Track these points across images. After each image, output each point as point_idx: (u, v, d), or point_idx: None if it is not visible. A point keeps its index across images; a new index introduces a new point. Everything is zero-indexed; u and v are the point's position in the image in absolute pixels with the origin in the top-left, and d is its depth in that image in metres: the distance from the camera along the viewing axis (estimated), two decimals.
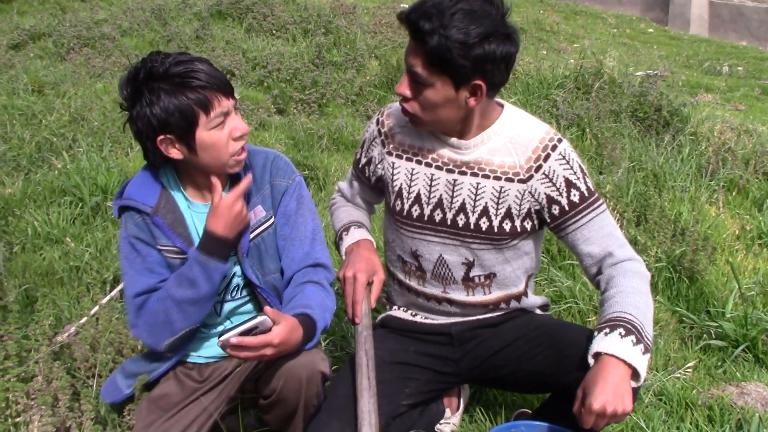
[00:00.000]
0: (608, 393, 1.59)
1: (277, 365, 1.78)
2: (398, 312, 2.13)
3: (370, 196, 2.20)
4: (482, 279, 1.99)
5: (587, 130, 4.82)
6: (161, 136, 1.76)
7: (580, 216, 1.86)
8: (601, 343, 1.68)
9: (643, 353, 1.66)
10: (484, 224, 1.90)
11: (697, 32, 13.68)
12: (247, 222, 1.88)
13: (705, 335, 2.87)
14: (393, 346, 2.06)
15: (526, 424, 1.85)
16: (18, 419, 1.98)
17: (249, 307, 2.01)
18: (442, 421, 2.27)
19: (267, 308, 1.68)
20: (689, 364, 2.66)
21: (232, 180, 1.93)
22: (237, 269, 1.94)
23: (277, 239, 1.96)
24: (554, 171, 1.85)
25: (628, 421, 2.27)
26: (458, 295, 2.00)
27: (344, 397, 1.87)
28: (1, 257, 3.08)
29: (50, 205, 3.66)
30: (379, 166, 2.05)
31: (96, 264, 3.11)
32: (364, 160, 2.10)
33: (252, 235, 1.92)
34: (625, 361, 1.64)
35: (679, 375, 2.60)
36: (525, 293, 2.06)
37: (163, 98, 1.72)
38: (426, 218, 1.96)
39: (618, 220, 3.49)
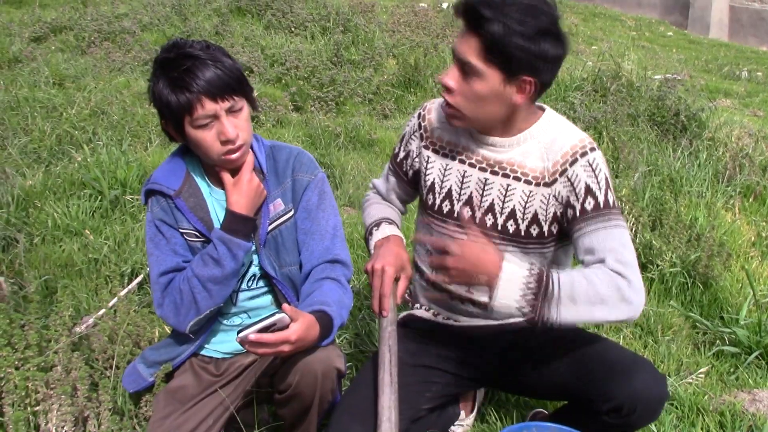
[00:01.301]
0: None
1: (293, 361, 1.81)
2: (420, 311, 2.13)
3: (405, 191, 2.18)
4: None
5: (604, 133, 4.81)
6: (163, 121, 1.86)
7: (586, 223, 1.80)
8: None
9: (523, 285, 1.69)
10: (511, 227, 1.90)
11: (716, 36, 13.59)
12: (264, 196, 1.92)
13: (718, 341, 2.87)
14: (415, 347, 2.05)
15: (538, 425, 1.86)
16: (37, 408, 2.02)
17: (266, 298, 2.03)
18: (456, 423, 2.28)
19: (285, 305, 1.71)
20: (702, 370, 2.66)
21: (254, 170, 1.96)
22: (254, 259, 1.97)
23: (297, 233, 1.99)
24: (577, 176, 1.82)
25: None
26: (481, 296, 1.98)
27: (366, 398, 1.86)
28: (22, 248, 3.12)
29: (70, 198, 3.70)
30: (416, 159, 2.05)
31: (114, 257, 3.15)
32: (402, 154, 2.10)
33: (270, 227, 1.95)
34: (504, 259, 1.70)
35: (691, 380, 2.61)
36: None
37: (161, 86, 1.80)
38: (456, 214, 1.96)
39: (633, 224, 3.50)
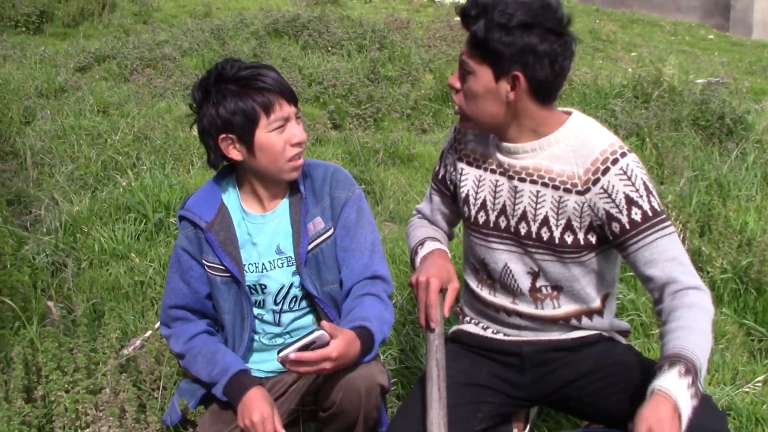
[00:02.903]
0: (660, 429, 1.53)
1: (336, 378, 1.80)
2: (469, 326, 2.09)
3: (449, 208, 2.14)
4: (549, 290, 1.92)
5: (647, 139, 4.74)
6: (223, 135, 1.86)
7: (642, 236, 1.76)
8: (659, 378, 1.61)
9: (692, 398, 1.58)
10: (545, 234, 1.86)
11: (760, 37, 13.31)
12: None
13: None
14: (466, 366, 2.00)
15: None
16: (87, 430, 2.04)
17: (308, 318, 2.03)
18: None
19: (324, 322, 1.71)
20: (759, 378, 2.58)
21: (291, 189, 1.97)
22: (296, 280, 1.97)
23: (337, 251, 1.99)
24: (613, 186, 1.77)
25: None
26: (527, 307, 1.94)
27: (416, 419, 1.81)
28: (71, 273, 3.18)
29: (115, 222, 3.76)
30: (453, 173, 2.04)
31: (159, 279, 3.18)
32: (442, 171, 2.09)
33: (310, 246, 1.96)
34: (675, 402, 1.55)
35: (748, 389, 2.52)
36: (600, 312, 1.96)
37: (228, 98, 1.82)
38: (492, 225, 1.93)
39: (681, 231, 3.42)
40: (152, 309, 2.90)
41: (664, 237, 1.76)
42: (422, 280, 1.89)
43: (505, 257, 1.93)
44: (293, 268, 1.96)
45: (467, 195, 1.98)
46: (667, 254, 1.75)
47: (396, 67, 6.68)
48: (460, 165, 2.00)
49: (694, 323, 1.69)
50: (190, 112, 1.97)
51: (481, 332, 2.05)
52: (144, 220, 3.77)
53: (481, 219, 1.95)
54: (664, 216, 1.78)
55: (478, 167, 1.97)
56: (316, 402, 1.91)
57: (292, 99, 1.88)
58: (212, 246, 1.93)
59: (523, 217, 1.88)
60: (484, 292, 2.01)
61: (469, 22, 1.74)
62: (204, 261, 1.96)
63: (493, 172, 1.93)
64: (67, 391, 2.12)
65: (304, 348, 1.67)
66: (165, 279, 3.14)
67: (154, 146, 4.80)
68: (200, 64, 7.01)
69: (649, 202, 1.77)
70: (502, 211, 1.91)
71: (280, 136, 1.85)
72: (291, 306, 2.01)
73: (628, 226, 1.77)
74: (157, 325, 2.73)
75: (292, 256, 1.96)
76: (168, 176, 4.20)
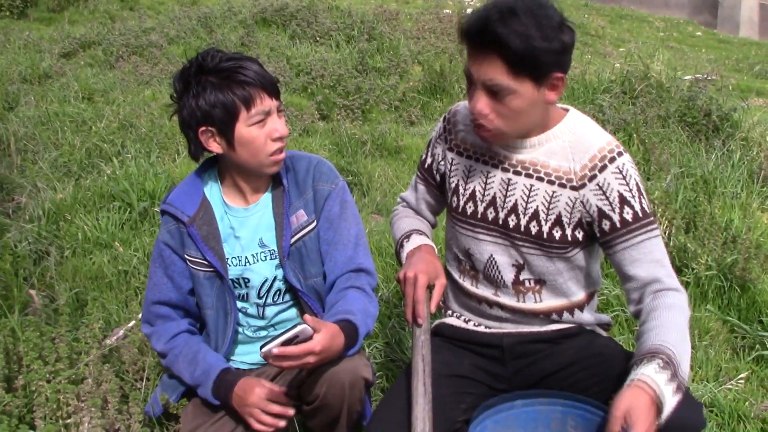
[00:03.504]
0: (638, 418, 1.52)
1: (320, 371, 1.78)
2: (452, 319, 2.09)
3: (435, 198, 2.14)
4: (532, 284, 1.93)
5: (634, 135, 4.74)
6: (203, 128, 1.83)
7: (631, 236, 1.78)
8: (637, 370, 1.61)
9: (674, 393, 1.58)
10: (534, 228, 1.86)
11: (747, 35, 13.39)
12: None
13: (758, 345, 2.80)
14: (448, 358, 2.01)
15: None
16: (69, 421, 2.02)
17: (292, 311, 2.02)
18: None
19: (307, 316, 1.69)
20: (741, 375, 2.60)
21: (274, 182, 1.95)
22: (279, 273, 1.96)
23: (320, 243, 1.97)
24: (609, 184, 1.78)
25: None
26: (509, 299, 1.95)
27: (400, 410, 1.80)
28: (53, 261, 3.15)
29: (100, 210, 3.72)
30: (441, 163, 2.03)
31: (144, 268, 3.16)
32: (429, 160, 2.07)
33: (293, 239, 1.94)
34: (654, 393, 1.55)
35: (730, 386, 2.54)
36: (581, 307, 1.97)
37: (209, 90, 1.79)
38: (479, 216, 1.93)
39: (666, 227, 3.43)
40: (136, 299, 2.88)
41: (651, 238, 1.79)
42: (410, 275, 1.88)
43: (490, 248, 1.93)
44: (276, 261, 1.95)
45: (456, 185, 1.97)
46: (652, 255, 1.78)
47: (384, 59, 6.65)
48: (450, 155, 1.99)
49: (673, 323, 1.70)
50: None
51: (463, 325, 2.06)
52: (128, 209, 3.74)
53: (470, 209, 1.94)
54: (652, 218, 1.80)
55: (469, 158, 1.96)
56: (300, 396, 1.90)
57: (274, 92, 1.85)
58: (195, 240, 1.91)
59: (514, 209, 1.88)
60: (467, 283, 2.02)
61: (500, 43, 1.65)
62: (186, 256, 1.94)
63: (485, 163, 1.92)
64: (48, 381, 2.10)
65: (288, 342, 1.66)
66: (148, 268, 3.13)
67: (140, 134, 4.76)
68: (187, 51, 6.95)
69: (641, 203, 1.79)
70: (492, 202, 1.91)
71: (261, 130, 1.83)
72: (275, 299, 1.99)
73: (618, 225, 1.78)
74: (140, 314, 2.71)
75: (275, 249, 1.94)
76: (153, 165, 4.17)
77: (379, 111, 5.74)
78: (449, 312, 2.12)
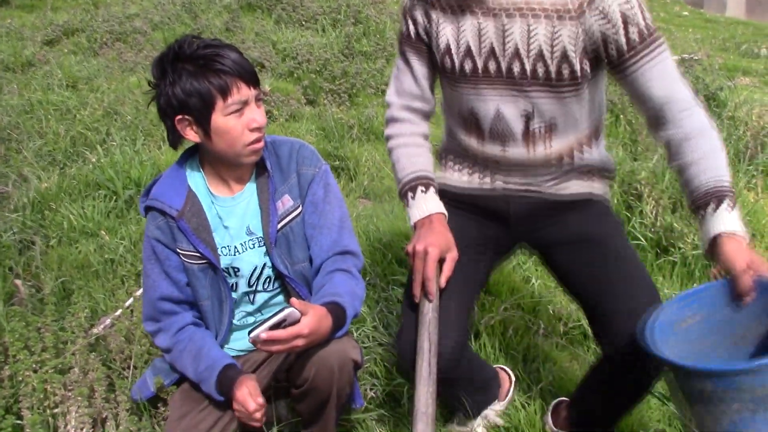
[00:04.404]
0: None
1: (309, 354, 1.78)
2: (455, 175, 2.05)
3: (426, 72, 2.01)
4: (542, 131, 1.87)
5: (621, 116, 4.74)
6: (179, 116, 1.79)
7: (640, 56, 1.73)
8: (716, 221, 1.65)
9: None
10: (540, 70, 1.78)
11: (733, 15, 13.40)
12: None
13: None
14: (459, 224, 1.96)
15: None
16: (56, 410, 2.01)
17: (281, 298, 2.01)
18: (489, 407, 2.27)
19: (293, 300, 1.68)
20: None
21: (258, 169, 1.94)
22: (267, 260, 1.95)
23: (305, 228, 1.96)
24: (608, 5, 1.71)
25: None
26: (518, 152, 1.89)
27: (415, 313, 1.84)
28: (38, 250, 3.13)
29: (85, 199, 3.70)
30: (427, 25, 1.92)
31: (130, 257, 3.14)
32: (412, 28, 1.95)
33: (280, 225, 1.93)
34: (744, 237, 1.64)
35: None
36: (590, 142, 1.94)
37: (184, 78, 1.75)
38: (480, 71, 1.84)
39: (653, 207, 3.44)
40: (122, 287, 2.86)
41: (661, 54, 1.75)
42: (419, 249, 1.81)
43: (496, 102, 1.86)
44: (264, 248, 1.93)
45: (447, 45, 1.88)
46: (666, 72, 1.75)
47: (371, 43, 6.62)
48: (434, 14, 1.89)
49: (711, 149, 1.71)
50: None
51: (467, 182, 2.02)
52: (114, 197, 3.72)
53: (468, 67, 1.86)
54: (658, 33, 1.76)
55: (454, 13, 1.86)
56: (289, 379, 1.90)
57: (252, 81, 1.80)
58: (186, 234, 1.89)
59: (516, 55, 1.80)
60: (473, 141, 1.95)
61: None
62: (178, 250, 1.92)
63: (473, 14, 1.82)
64: (35, 371, 2.08)
65: (275, 327, 1.65)
66: (135, 256, 3.12)
67: (125, 122, 4.73)
68: (171, 38, 6.89)
69: (644, 18, 1.73)
70: (491, 54, 1.82)
71: (238, 120, 1.79)
72: (265, 286, 1.98)
73: (626, 47, 1.73)
74: (128, 302, 2.70)
75: (262, 236, 1.93)
76: (139, 152, 4.15)
77: (365, 95, 5.71)
78: (449, 164, 2.08)
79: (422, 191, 1.94)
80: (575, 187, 1.98)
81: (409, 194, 1.94)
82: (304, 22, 7.32)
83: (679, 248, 3.18)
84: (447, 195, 2.02)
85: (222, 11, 7.61)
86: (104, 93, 5.24)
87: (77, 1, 8.98)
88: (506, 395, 2.34)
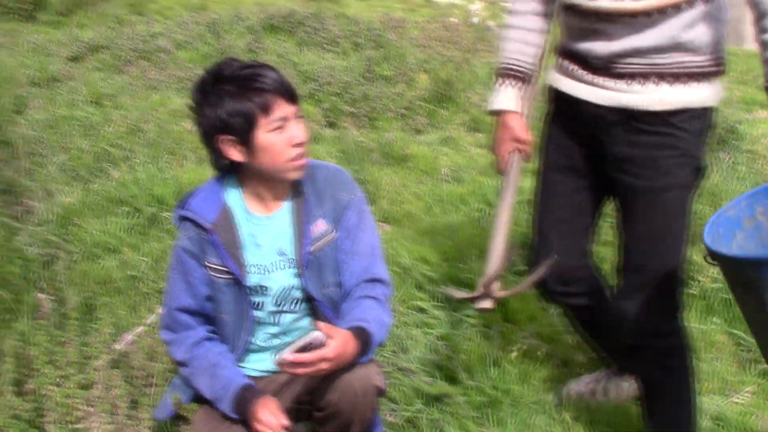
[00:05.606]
0: None
1: (332, 378, 1.79)
2: (563, 80, 2.08)
3: None
4: None
5: None
6: (222, 137, 1.83)
7: None
8: None
9: None
10: None
11: (751, 47, 13.39)
12: None
13: (764, 359, 2.79)
14: (565, 148, 2.11)
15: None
16: (78, 425, 2.03)
17: (307, 320, 2.03)
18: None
19: (319, 323, 1.70)
20: (747, 389, 2.60)
21: (294, 191, 1.96)
22: (296, 282, 1.97)
23: (337, 253, 1.98)
24: None
25: None
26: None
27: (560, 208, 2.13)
28: (62, 265, 3.16)
29: (108, 215, 3.74)
30: None
31: (152, 273, 3.17)
32: None
33: (312, 248, 1.95)
34: None
35: (737, 400, 2.54)
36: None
37: (226, 100, 1.80)
38: None
39: None
40: (144, 304, 2.89)
41: None
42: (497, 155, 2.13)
43: None
44: (295, 270, 1.96)
45: None
46: None
47: (391, 67, 6.67)
48: None
49: None
50: (185, 106, 1.96)
51: (571, 83, 2.04)
52: (137, 214, 3.75)
53: None
54: None
55: None
56: (311, 402, 1.91)
57: (291, 98, 1.86)
58: (216, 248, 1.92)
59: None
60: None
61: None
62: (206, 263, 1.95)
63: None
64: (58, 386, 2.11)
65: (302, 350, 1.67)
66: (157, 273, 3.15)
67: (148, 139, 4.77)
68: (195, 57, 6.98)
69: None
70: None
71: (280, 136, 1.84)
72: (291, 308, 2.00)
73: None
74: (149, 319, 2.73)
75: (294, 258, 1.95)
76: (162, 170, 4.19)
77: (385, 119, 5.75)
78: (561, 61, 2.10)
79: (511, 84, 2.11)
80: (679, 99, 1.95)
81: (499, 79, 2.12)
82: (325, 45, 7.39)
83: (699, 281, 3.17)
84: (559, 106, 2.14)
85: (245, 32, 7.69)
86: (128, 110, 5.30)
87: (103, 18, 9.10)
88: None
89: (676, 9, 1.83)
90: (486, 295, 2.00)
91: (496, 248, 2.03)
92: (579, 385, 2.49)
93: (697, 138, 1.96)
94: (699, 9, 1.85)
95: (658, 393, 2.11)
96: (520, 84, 2.10)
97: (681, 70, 1.90)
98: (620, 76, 1.93)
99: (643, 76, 1.91)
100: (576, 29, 1.99)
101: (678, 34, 1.86)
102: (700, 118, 1.95)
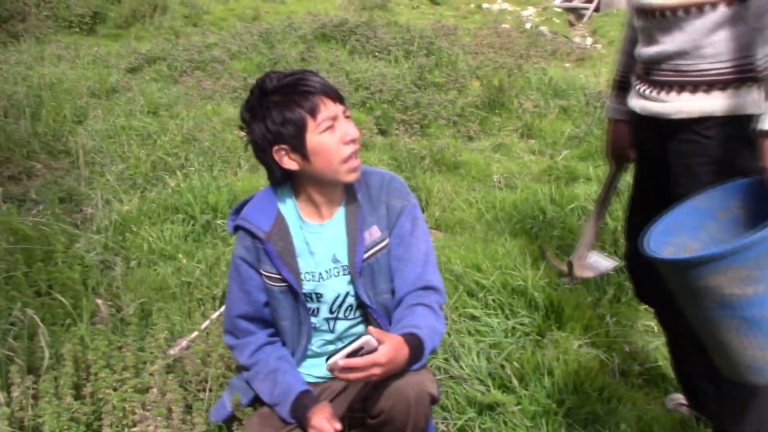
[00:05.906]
0: None
1: (385, 385, 1.78)
2: (633, 100, 2.12)
3: None
4: None
5: None
6: (276, 147, 1.84)
7: None
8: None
9: None
10: None
11: None
12: None
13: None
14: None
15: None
16: (134, 429, 2.06)
17: (361, 327, 2.02)
18: None
19: (371, 328, 1.69)
20: None
21: (348, 197, 1.96)
22: (351, 289, 1.96)
23: (390, 260, 1.97)
24: None
25: None
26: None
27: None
28: (120, 272, 3.22)
29: (164, 222, 3.80)
30: None
31: (206, 280, 3.20)
32: None
33: (366, 255, 1.94)
34: None
35: None
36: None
37: (273, 110, 1.81)
38: None
39: None
40: (199, 310, 2.92)
41: None
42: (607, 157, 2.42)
43: None
44: (348, 277, 1.95)
45: None
46: None
47: (443, 74, 6.66)
48: None
49: None
50: (238, 117, 1.97)
51: (637, 102, 2.08)
52: (192, 221, 3.80)
53: None
54: None
55: None
56: (365, 409, 1.89)
57: (337, 98, 1.87)
58: (270, 256, 1.92)
59: None
60: None
61: None
62: (262, 271, 1.96)
63: None
64: (115, 390, 2.14)
65: (352, 354, 1.66)
66: (211, 280, 3.19)
67: (202, 148, 4.85)
68: (249, 66, 7.08)
69: None
70: None
71: (332, 136, 1.84)
72: (346, 314, 2.00)
73: None
74: (203, 325, 2.75)
75: (348, 265, 1.94)
76: (216, 178, 4.24)
77: (437, 126, 5.74)
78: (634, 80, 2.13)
79: (611, 93, 2.32)
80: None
81: (614, 81, 2.30)
82: (377, 53, 7.42)
83: None
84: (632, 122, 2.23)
85: (297, 41, 7.78)
86: (183, 120, 5.39)
87: (159, 31, 9.32)
88: None
89: (699, 10, 1.82)
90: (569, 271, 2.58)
91: (587, 234, 2.51)
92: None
93: (729, 145, 1.89)
94: (720, 12, 1.81)
95: None
96: (617, 89, 2.26)
97: (701, 78, 1.89)
98: (653, 84, 1.98)
99: (669, 85, 1.94)
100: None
101: (700, 39, 1.85)
102: (728, 125, 1.88)
